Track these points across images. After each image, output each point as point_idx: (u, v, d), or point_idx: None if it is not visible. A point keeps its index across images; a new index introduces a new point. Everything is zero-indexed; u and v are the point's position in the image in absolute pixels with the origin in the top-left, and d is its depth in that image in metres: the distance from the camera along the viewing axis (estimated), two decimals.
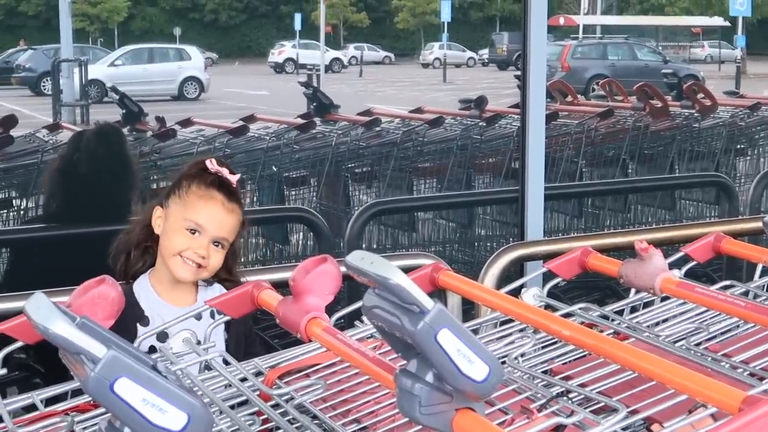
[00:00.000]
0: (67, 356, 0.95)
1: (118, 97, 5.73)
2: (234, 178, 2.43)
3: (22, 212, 4.97)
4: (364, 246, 4.64)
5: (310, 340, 1.34)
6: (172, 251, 2.36)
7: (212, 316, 2.37)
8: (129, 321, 2.24)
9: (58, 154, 4.06)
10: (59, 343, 0.91)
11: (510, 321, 1.72)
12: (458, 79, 33.09)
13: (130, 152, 4.36)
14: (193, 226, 2.37)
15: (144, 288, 2.41)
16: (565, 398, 1.27)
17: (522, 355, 1.52)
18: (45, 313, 0.93)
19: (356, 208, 5.39)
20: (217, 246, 2.39)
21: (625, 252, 3.12)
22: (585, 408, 1.29)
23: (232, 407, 1.39)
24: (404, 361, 1.06)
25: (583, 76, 24.16)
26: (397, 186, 5.74)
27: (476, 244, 5.75)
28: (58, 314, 0.92)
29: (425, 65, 42.23)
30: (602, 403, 1.33)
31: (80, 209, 3.73)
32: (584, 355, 1.61)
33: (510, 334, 1.65)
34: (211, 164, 2.41)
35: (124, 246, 2.47)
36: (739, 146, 6.78)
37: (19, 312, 1.42)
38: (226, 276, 2.44)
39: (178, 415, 0.91)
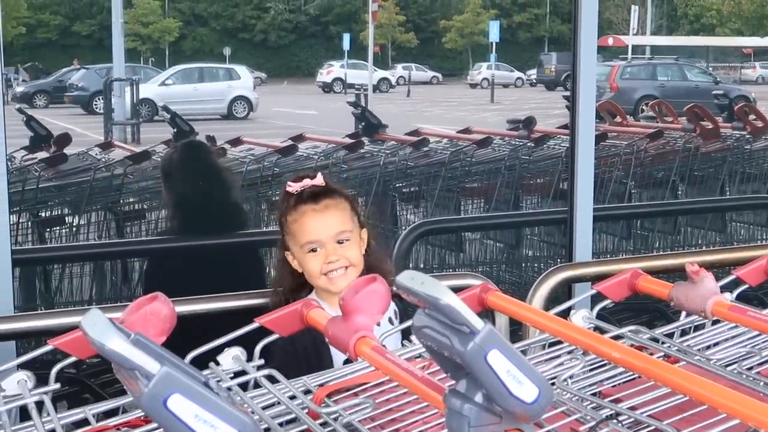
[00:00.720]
0: (121, 372, 0.97)
1: (169, 116, 5.79)
2: (316, 180, 2.47)
3: (74, 229, 5.03)
4: (411, 265, 4.63)
5: (359, 359, 1.34)
6: (315, 276, 2.43)
7: (390, 322, 2.41)
8: (318, 341, 2.25)
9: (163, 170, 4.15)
10: (114, 359, 0.92)
11: (558, 343, 1.71)
12: (506, 99, 33.06)
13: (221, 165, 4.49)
14: (310, 247, 2.43)
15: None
16: (615, 421, 1.26)
17: (570, 377, 1.51)
18: (101, 329, 0.94)
19: (403, 227, 5.39)
20: (342, 243, 2.43)
21: (675, 274, 3.09)
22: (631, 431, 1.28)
23: (280, 425, 1.40)
24: (453, 381, 1.06)
25: (632, 97, 24.02)
26: (444, 206, 5.73)
27: (523, 264, 5.72)
28: (113, 330, 0.93)
29: (473, 85, 42.25)
30: (652, 427, 1.32)
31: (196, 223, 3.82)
32: (633, 378, 1.60)
33: (558, 356, 1.64)
34: (290, 187, 2.46)
35: (280, 299, 2.50)
36: None
37: (70, 327, 1.45)
38: (376, 264, 2.45)
39: None
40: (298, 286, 2.51)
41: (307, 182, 2.45)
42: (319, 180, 2.47)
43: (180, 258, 3.69)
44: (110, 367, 0.98)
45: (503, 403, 0.99)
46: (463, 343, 0.98)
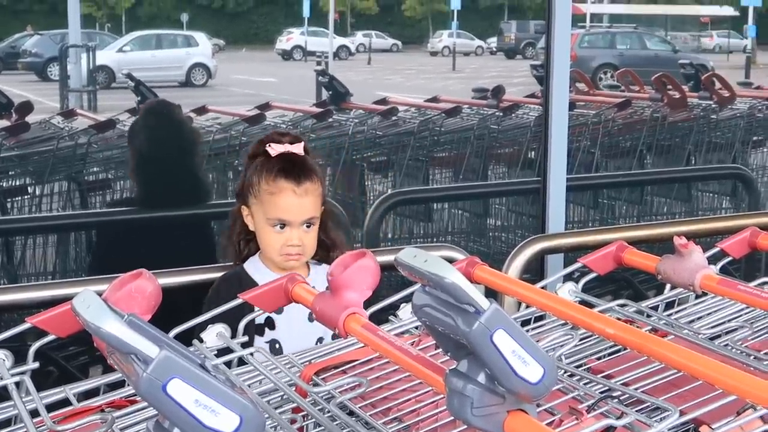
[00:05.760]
0: (115, 355, 0.93)
1: (134, 84, 5.68)
2: (297, 149, 2.44)
3: (36, 199, 4.94)
4: (381, 236, 4.60)
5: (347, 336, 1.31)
6: (270, 251, 2.43)
7: None
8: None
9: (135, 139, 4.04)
10: (111, 343, 0.88)
11: (541, 317, 1.70)
12: (467, 67, 33.02)
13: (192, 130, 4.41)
14: (277, 222, 2.41)
15: (258, 268, 2.47)
16: (615, 399, 1.24)
17: (563, 354, 1.49)
18: (96, 311, 0.90)
19: (372, 197, 5.36)
20: (308, 228, 2.43)
21: (640, 244, 3.08)
22: (629, 408, 1.26)
23: (267, 403, 1.37)
24: (445, 357, 1.04)
25: (590, 66, 24.06)
26: (413, 176, 5.70)
27: (491, 234, 5.72)
28: (109, 313, 0.90)
29: (433, 53, 42.11)
30: (646, 403, 1.31)
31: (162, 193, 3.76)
32: (619, 350, 1.59)
33: (544, 331, 1.63)
34: (272, 149, 2.42)
35: (229, 246, 2.57)
36: (756, 138, 6.71)
37: (38, 302, 1.40)
38: (330, 241, 2.50)
39: (231, 417, 0.88)
40: (245, 238, 2.54)
41: (288, 148, 2.42)
42: (298, 149, 2.44)
43: (138, 230, 3.64)
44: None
45: (507, 384, 0.97)
46: (468, 322, 0.96)
